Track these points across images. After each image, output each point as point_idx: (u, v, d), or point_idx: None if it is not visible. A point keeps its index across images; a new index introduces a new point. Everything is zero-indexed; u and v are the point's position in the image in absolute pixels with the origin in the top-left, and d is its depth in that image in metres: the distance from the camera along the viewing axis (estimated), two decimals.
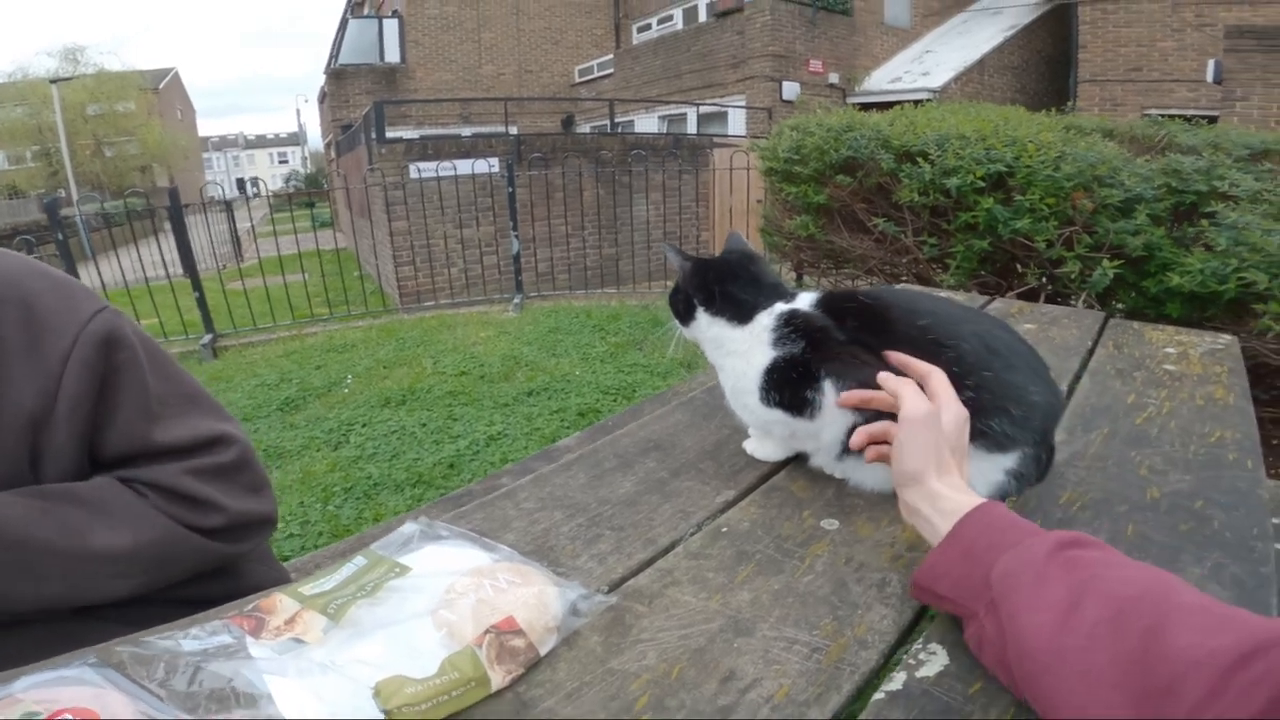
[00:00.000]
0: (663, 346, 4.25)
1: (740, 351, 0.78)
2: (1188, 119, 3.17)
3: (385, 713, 0.46)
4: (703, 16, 12.49)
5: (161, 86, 32.80)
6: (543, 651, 0.54)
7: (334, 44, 14.65)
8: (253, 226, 8.55)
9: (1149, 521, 0.74)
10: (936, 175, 2.37)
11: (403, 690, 0.47)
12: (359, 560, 0.63)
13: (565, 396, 3.49)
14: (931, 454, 0.60)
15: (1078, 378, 1.14)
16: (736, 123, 10.36)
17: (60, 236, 4.66)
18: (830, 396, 0.73)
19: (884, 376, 0.67)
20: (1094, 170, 2.19)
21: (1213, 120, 4.91)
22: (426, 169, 6.15)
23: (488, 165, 6.40)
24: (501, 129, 10.70)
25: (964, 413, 0.65)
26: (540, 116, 13.58)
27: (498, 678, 0.51)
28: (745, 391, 0.79)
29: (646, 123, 12.39)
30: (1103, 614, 0.43)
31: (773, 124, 6.66)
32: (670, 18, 13.88)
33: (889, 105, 3.92)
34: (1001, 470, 0.73)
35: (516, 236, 5.93)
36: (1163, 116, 3.31)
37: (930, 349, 0.71)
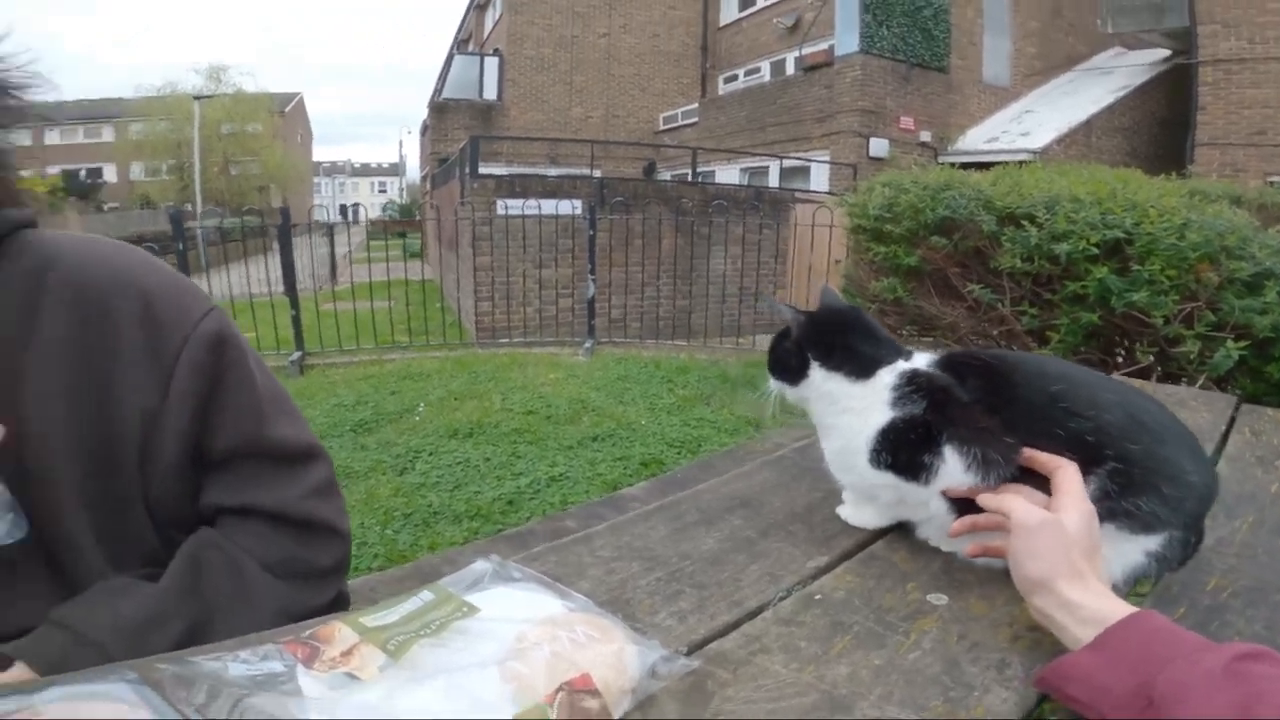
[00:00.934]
0: (730, 403, 4.17)
1: (856, 409, 0.73)
2: None
3: None
4: (790, 70, 12.60)
5: (287, 110, 34.80)
6: (615, 715, 0.49)
7: (439, 78, 15.41)
8: (350, 251, 8.98)
9: None
10: (1044, 240, 2.24)
11: None
12: (425, 595, 0.59)
13: (629, 445, 3.44)
14: (1058, 558, 0.57)
15: (1214, 464, 1.04)
16: (820, 178, 10.31)
17: (181, 247, 4.99)
18: (951, 463, 0.67)
19: (985, 497, 0.64)
20: (1222, 240, 2.03)
21: None
22: (514, 206, 6.31)
23: (571, 207, 6.54)
24: (586, 171, 11.00)
25: (1090, 510, 0.60)
26: (623, 161, 13.88)
27: None
28: (854, 451, 0.73)
29: (727, 174, 12.51)
30: None
31: (858, 181, 6.56)
32: (757, 70, 14.08)
33: (985, 165, 3.81)
34: (1142, 551, 0.66)
35: (594, 280, 5.99)
36: None
37: (1061, 417, 0.65)
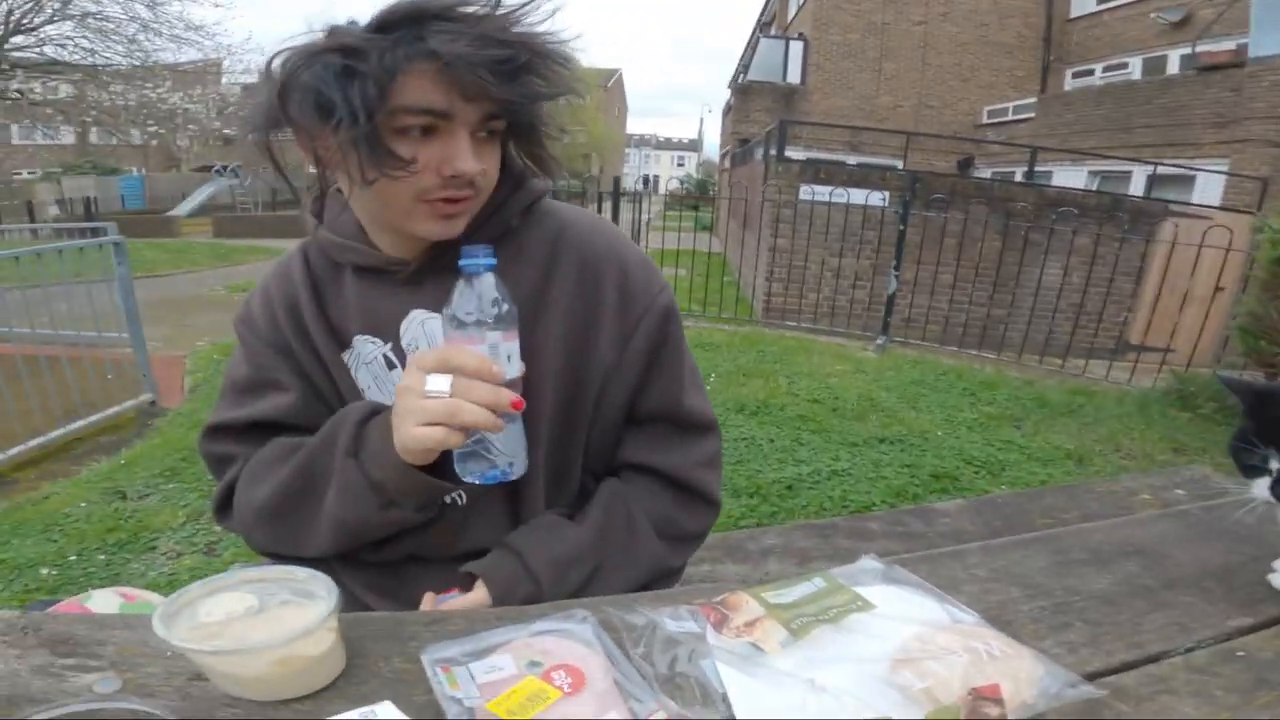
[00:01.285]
0: (1046, 430, 3.67)
1: None
2: None
3: None
4: (1173, 68, 10.47)
5: (609, 85, 38.75)
6: None
7: (741, 60, 15.67)
8: (650, 218, 9.67)
9: None
10: None
11: None
12: (818, 581, 0.63)
13: (920, 454, 3.24)
14: None
15: None
16: (1209, 191, 8.37)
17: None
18: None
19: None
20: None
21: None
22: (819, 192, 6.21)
23: (881, 198, 6.24)
24: (890, 161, 10.33)
25: None
26: (933, 154, 12.80)
27: None
28: None
29: (1070, 176, 10.79)
30: None
31: (1269, 199, 5.17)
32: (1123, 65, 12.06)
33: None
34: None
35: (896, 276, 5.67)
36: None
37: None
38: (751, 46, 15.81)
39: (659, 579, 0.82)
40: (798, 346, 5.24)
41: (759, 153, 8.39)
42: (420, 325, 0.75)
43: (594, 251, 0.78)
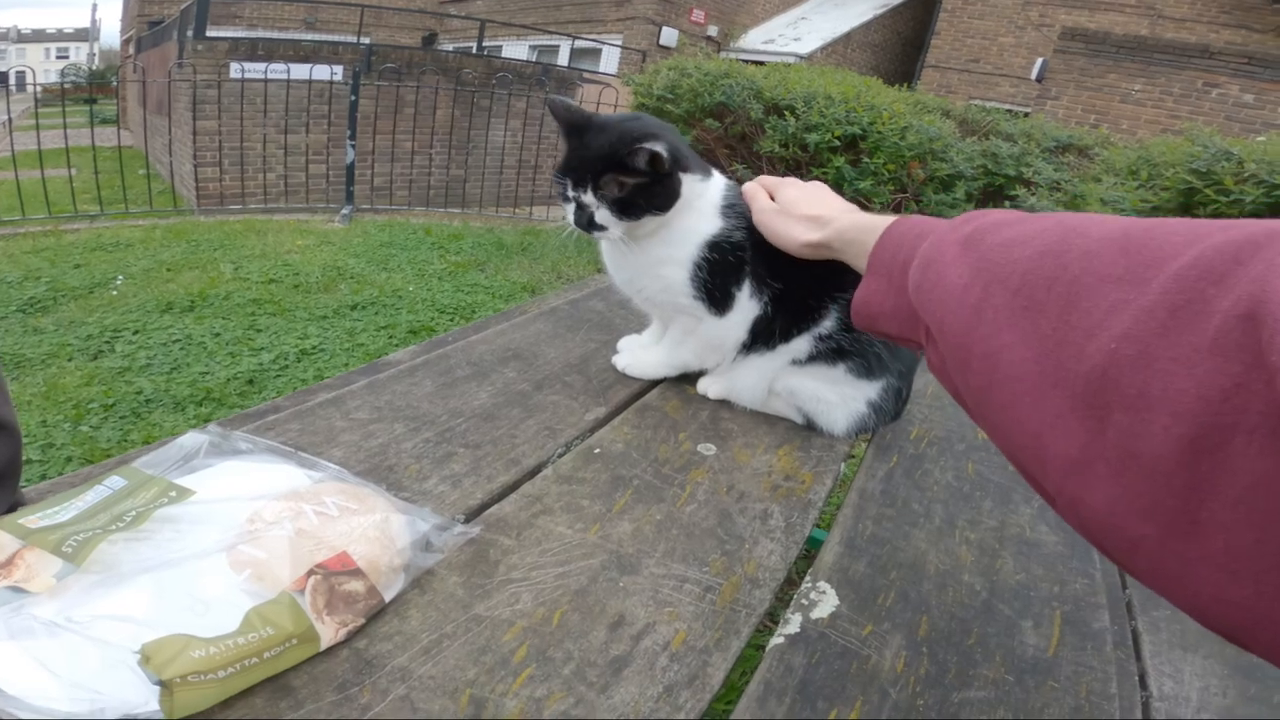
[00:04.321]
0: (506, 269, 4.04)
1: (697, 208, 0.70)
2: (1010, 112, 3.53)
3: (161, 684, 0.33)
4: None
5: None
6: (388, 597, 0.43)
7: None
8: (10, 119, 6.80)
9: (985, 461, 0.78)
10: (799, 130, 2.43)
11: (185, 654, 0.34)
12: (115, 481, 0.47)
13: (395, 313, 3.19)
14: (796, 226, 0.62)
15: None
16: (610, 61, 10.12)
17: None
18: (744, 293, 0.70)
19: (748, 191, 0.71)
20: (931, 144, 2.37)
21: (1027, 115, 5.50)
22: (253, 70, 5.42)
23: (330, 72, 5.70)
24: (350, 39, 9.51)
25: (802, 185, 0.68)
26: (400, 31, 12.28)
27: (329, 632, 0.39)
28: (675, 261, 0.70)
29: (516, 50, 11.74)
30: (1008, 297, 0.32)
31: (646, 67, 6.58)
32: None
33: (758, 65, 3.96)
34: (864, 401, 0.73)
35: (353, 146, 5.40)
36: (987, 107, 3.66)
37: None
38: None
39: None
40: (245, 229, 4.52)
41: (175, 33, 6.65)
42: None
43: None
